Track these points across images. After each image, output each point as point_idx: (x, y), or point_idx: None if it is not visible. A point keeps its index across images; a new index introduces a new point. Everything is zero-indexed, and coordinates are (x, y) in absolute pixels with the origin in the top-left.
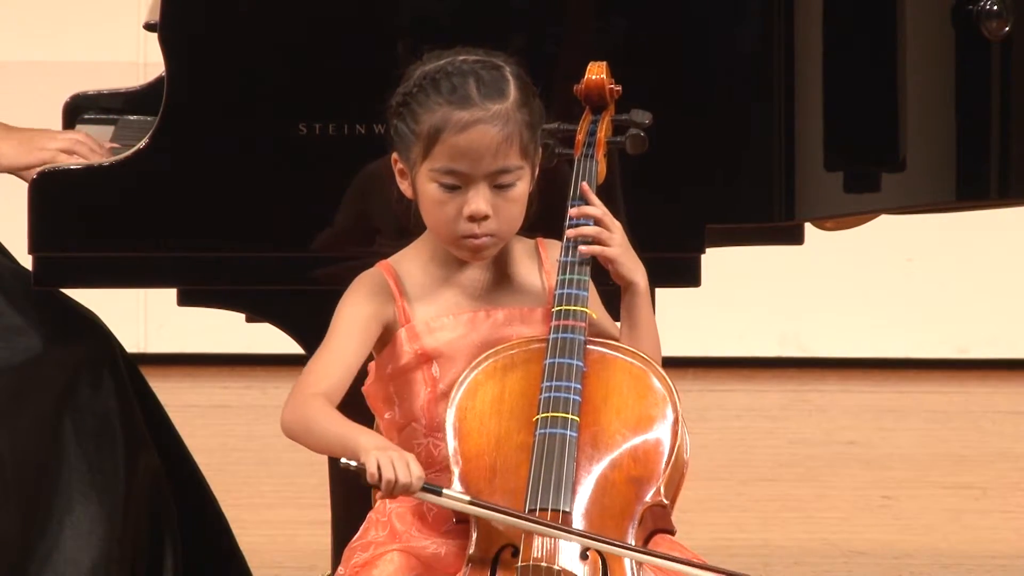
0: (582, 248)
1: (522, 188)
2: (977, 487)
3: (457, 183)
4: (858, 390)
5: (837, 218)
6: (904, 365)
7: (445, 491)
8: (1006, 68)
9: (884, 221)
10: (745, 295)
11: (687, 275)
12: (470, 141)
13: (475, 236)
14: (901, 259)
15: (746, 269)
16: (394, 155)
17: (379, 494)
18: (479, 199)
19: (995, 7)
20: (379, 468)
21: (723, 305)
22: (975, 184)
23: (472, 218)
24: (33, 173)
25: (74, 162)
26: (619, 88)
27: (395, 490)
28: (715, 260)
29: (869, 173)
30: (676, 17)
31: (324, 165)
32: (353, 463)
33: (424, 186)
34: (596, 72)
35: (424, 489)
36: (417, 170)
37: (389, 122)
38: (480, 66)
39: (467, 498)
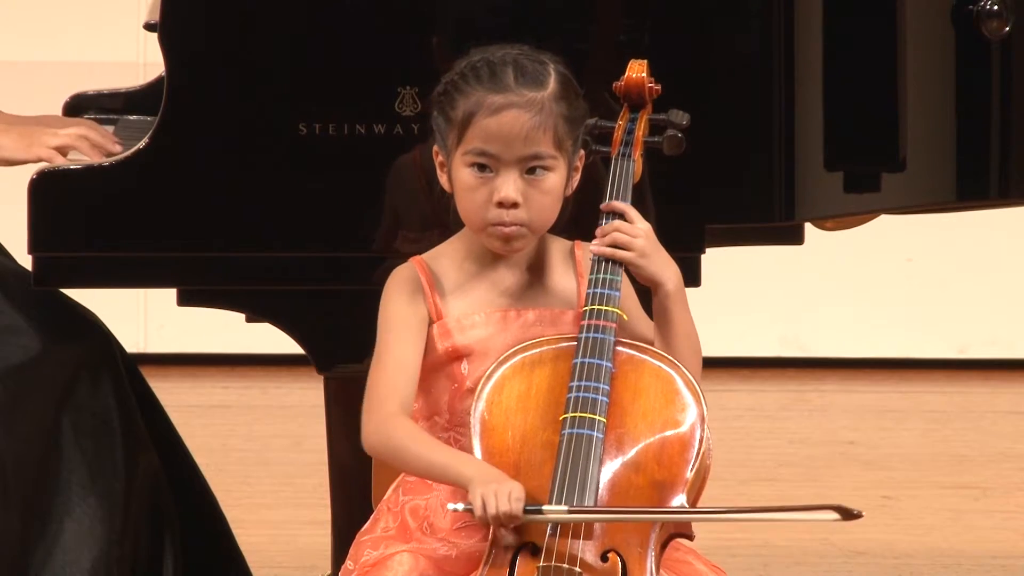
0: (592, 247)
1: (554, 180)
2: (977, 487)
3: (488, 164)
4: (858, 390)
5: (837, 218)
6: (904, 365)
7: (545, 508)
8: (1006, 68)
9: (884, 221)
10: (745, 295)
11: (687, 275)
12: (501, 124)
13: (504, 224)
14: (901, 259)
15: (746, 269)
16: (435, 147)
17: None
18: (509, 185)
19: (995, 7)
20: (484, 505)
21: (723, 305)
22: (975, 184)
23: (501, 204)
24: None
25: (74, 162)
26: (659, 88)
27: (502, 522)
28: (715, 260)
29: (869, 173)
30: (676, 17)
31: (324, 165)
32: (460, 506)
33: (458, 172)
34: (637, 70)
35: (526, 512)
36: (453, 157)
37: (431, 114)
38: (523, 57)
39: (565, 508)
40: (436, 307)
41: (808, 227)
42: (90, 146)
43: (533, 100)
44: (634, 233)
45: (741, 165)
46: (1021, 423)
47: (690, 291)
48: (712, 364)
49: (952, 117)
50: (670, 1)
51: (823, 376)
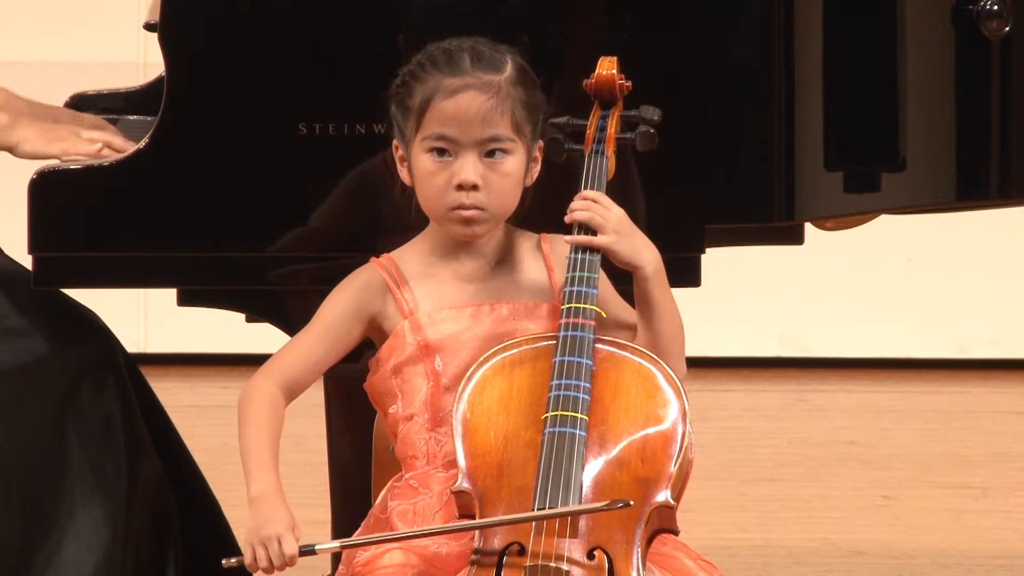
0: (566, 238)
1: (514, 164)
2: (977, 487)
3: (447, 149)
4: (858, 390)
5: (837, 218)
6: (904, 365)
7: (317, 546)
8: (1006, 68)
9: (884, 221)
10: (745, 295)
11: (687, 275)
12: (458, 106)
13: (464, 207)
14: (901, 259)
15: (746, 269)
16: (394, 142)
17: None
18: (468, 167)
19: (995, 7)
20: (255, 558)
21: (723, 305)
22: (975, 184)
23: (461, 187)
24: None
25: (74, 162)
26: (629, 84)
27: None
28: (715, 260)
29: (869, 173)
30: (676, 16)
31: (324, 165)
32: (234, 560)
33: (417, 160)
34: (607, 67)
35: (302, 554)
36: (412, 147)
37: (390, 108)
38: (480, 44)
39: (337, 543)
40: (406, 303)
41: (808, 227)
42: (111, 154)
43: (490, 83)
44: (606, 215)
45: (741, 165)
46: (1021, 423)
47: (690, 291)
48: (712, 364)
49: (952, 117)
50: (671, 0)
51: (823, 376)
